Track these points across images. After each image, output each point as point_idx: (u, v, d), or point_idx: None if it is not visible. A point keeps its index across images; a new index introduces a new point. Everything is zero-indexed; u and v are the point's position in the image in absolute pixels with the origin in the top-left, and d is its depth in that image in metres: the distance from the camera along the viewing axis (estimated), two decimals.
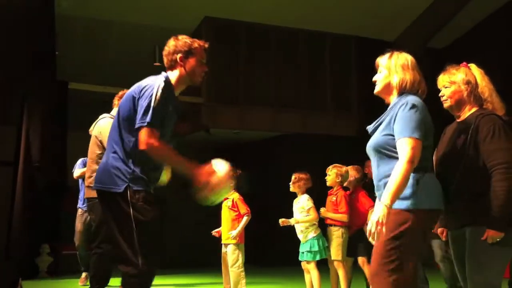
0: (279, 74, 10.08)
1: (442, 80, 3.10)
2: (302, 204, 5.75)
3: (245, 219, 5.47)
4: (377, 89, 2.96)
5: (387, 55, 2.98)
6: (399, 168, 2.61)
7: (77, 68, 10.66)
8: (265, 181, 9.85)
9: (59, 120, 8.86)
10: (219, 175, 2.96)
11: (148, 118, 2.89)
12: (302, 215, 5.73)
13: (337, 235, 5.88)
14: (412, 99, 2.76)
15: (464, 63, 3.13)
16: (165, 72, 3.16)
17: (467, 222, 2.87)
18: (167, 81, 3.05)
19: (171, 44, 3.15)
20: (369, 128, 2.97)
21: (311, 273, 5.71)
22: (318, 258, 5.71)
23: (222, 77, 9.69)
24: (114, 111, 4.84)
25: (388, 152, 2.78)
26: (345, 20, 10.05)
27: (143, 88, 2.99)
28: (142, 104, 2.93)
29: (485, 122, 2.89)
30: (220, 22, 9.96)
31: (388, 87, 2.91)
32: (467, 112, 3.03)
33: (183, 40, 3.14)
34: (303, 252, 5.76)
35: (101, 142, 4.75)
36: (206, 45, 3.19)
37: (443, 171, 2.98)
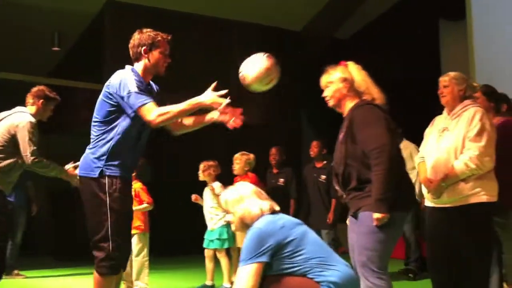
0: (184, 60, 9.88)
1: (323, 81, 3.28)
2: (215, 191, 5.77)
3: (143, 205, 5.37)
4: (236, 229, 3.17)
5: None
6: None
7: None
8: (171, 170, 9.70)
9: None
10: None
11: (137, 102, 3.14)
12: (214, 203, 5.74)
13: None
14: (254, 225, 2.93)
15: (343, 61, 3.30)
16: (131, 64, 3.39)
17: (357, 209, 3.06)
18: (134, 71, 3.32)
19: (135, 37, 3.41)
20: None
21: (221, 261, 5.74)
22: (226, 246, 5.77)
23: (125, 63, 9.37)
24: (30, 109, 4.55)
25: None
26: (251, 8, 10.03)
27: (116, 84, 3.24)
28: (123, 96, 3.18)
29: (357, 113, 3.10)
30: (124, 6, 9.62)
31: (242, 223, 3.05)
32: (348, 107, 3.21)
33: (147, 33, 3.39)
34: (211, 240, 5.77)
35: (13, 136, 4.33)
36: (169, 37, 3.43)
37: (336, 168, 3.19)
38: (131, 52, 3.42)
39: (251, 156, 6.10)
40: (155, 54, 3.38)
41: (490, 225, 3.66)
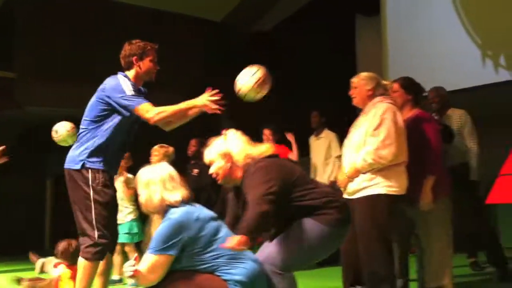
0: (101, 48, 9.60)
1: (205, 158, 3.27)
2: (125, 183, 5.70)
3: None
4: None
5: None
6: None
7: None
8: None
9: None
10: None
11: (134, 103, 3.47)
12: (123, 195, 5.67)
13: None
14: (168, 215, 2.99)
15: (223, 130, 3.32)
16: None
17: None
18: (126, 77, 3.64)
19: (126, 48, 3.71)
20: None
21: (131, 255, 5.67)
22: (136, 240, 5.72)
23: (38, 50, 9.00)
24: None
25: None
26: None
27: (111, 87, 3.56)
28: (119, 100, 3.51)
29: (246, 177, 3.10)
30: None
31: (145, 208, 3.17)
32: (239, 177, 3.19)
33: (137, 44, 3.70)
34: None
35: None
36: (156, 46, 3.74)
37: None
38: (122, 62, 3.72)
39: (170, 149, 6.02)
40: (146, 62, 3.68)
41: (388, 216, 3.67)
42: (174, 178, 3.11)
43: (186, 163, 6.88)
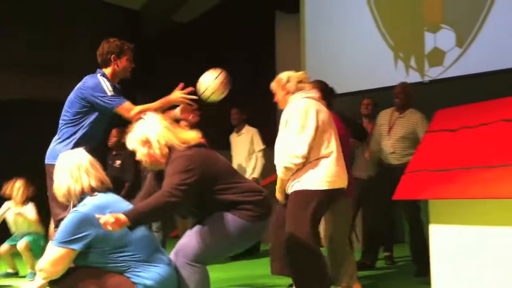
0: (25, 35, 9.16)
1: (128, 145, 3.18)
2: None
3: None
4: None
5: None
6: None
7: None
8: (9, 151, 9.00)
9: None
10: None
11: (115, 102, 3.70)
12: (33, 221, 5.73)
13: None
14: (78, 207, 2.89)
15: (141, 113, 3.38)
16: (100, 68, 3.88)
17: None
18: (104, 75, 3.83)
19: (105, 46, 3.91)
20: None
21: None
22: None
23: None
24: None
25: None
26: None
27: (91, 87, 3.74)
28: (100, 99, 3.71)
29: (168, 164, 3.03)
30: None
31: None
32: (164, 163, 3.10)
33: (115, 42, 3.91)
34: None
35: None
36: (132, 46, 3.95)
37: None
38: (99, 59, 3.91)
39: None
40: (123, 61, 3.90)
41: (315, 210, 3.65)
42: (84, 167, 2.98)
43: (108, 154, 6.73)
